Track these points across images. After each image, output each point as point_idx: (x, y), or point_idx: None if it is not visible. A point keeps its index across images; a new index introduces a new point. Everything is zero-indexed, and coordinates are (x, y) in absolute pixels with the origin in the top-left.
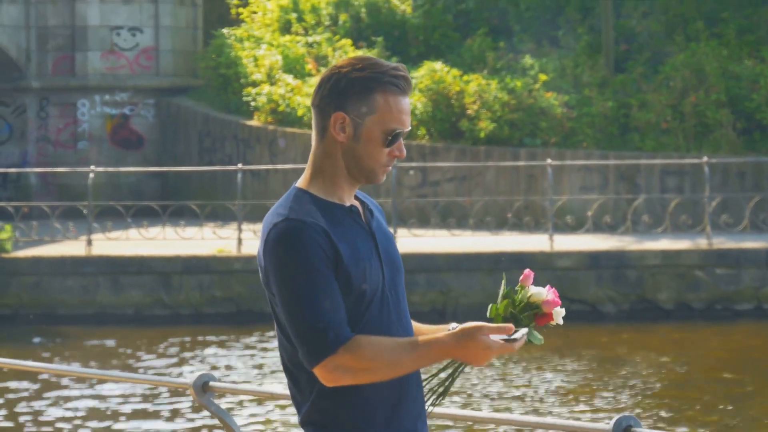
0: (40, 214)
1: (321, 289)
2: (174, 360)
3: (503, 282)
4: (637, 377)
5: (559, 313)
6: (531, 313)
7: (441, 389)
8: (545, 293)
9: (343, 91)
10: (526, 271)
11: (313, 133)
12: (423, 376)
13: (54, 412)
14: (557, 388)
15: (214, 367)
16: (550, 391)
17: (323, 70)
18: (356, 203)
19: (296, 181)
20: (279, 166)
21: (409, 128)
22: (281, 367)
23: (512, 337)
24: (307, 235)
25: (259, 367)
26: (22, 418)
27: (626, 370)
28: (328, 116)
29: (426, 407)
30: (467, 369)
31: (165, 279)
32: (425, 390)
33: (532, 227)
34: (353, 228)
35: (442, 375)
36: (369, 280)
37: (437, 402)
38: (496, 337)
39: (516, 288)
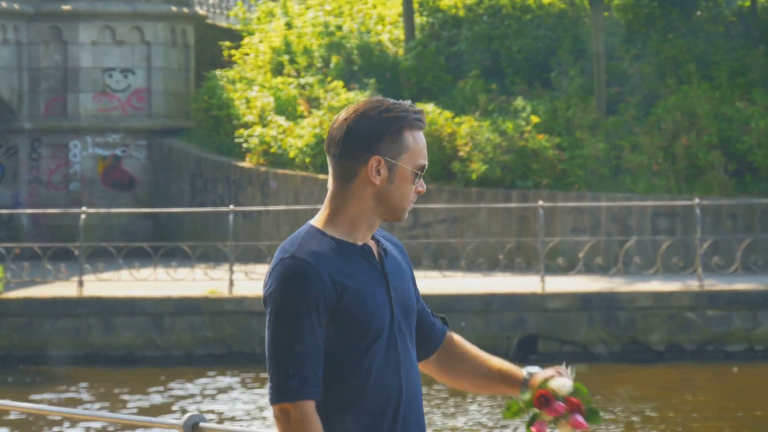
0: (31, 255)
1: (303, 339)
2: (164, 401)
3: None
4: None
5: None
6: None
7: None
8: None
9: (376, 135)
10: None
11: (333, 178)
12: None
13: None
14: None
15: (204, 409)
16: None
17: (315, 111)
18: (371, 243)
19: (311, 219)
20: (271, 208)
21: None
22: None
23: None
24: (308, 278)
25: (250, 407)
26: None
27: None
28: (361, 162)
29: None
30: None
31: (156, 320)
32: None
33: (524, 269)
34: (363, 267)
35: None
36: (374, 320)
37: None
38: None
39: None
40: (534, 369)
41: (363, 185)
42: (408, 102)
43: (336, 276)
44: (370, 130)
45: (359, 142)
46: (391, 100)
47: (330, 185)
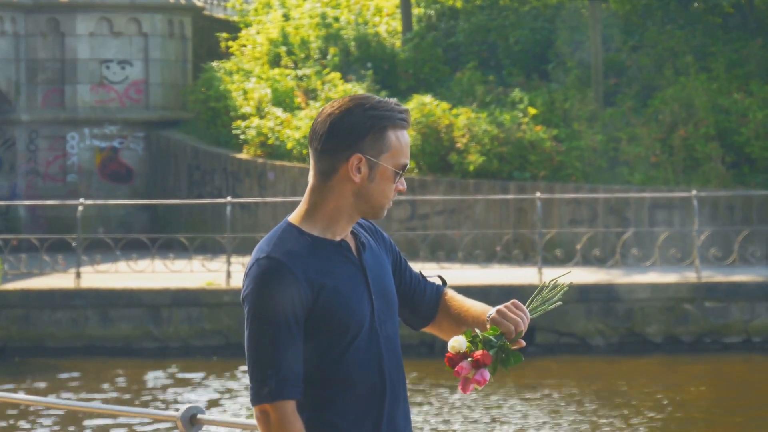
0: (29, 246)
1: (280, 340)
2: (162, 393)
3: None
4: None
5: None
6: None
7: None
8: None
9: (359, 132)
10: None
11: (314, 173)
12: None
13: None
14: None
15: (202, 401)
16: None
17: (312, 103)
18: (348, 237)
19: (289, 215)
20: (268, 199)
21: None
22: None
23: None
24: (283, 278)
25: (247, 399)
26: None
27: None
28: (342, 159)
29: None
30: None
31: (154, 312)
32: None
33: (522, 260)
34: (341, 264)
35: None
36: (354, 316)
37: None
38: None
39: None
40: (493, 311)
41: (343, 182)
42: (394, 100)
43: (312, 275)
44: (353, 127)
45: (341, 139)
46: (377, 98)
47: (310, 179)
